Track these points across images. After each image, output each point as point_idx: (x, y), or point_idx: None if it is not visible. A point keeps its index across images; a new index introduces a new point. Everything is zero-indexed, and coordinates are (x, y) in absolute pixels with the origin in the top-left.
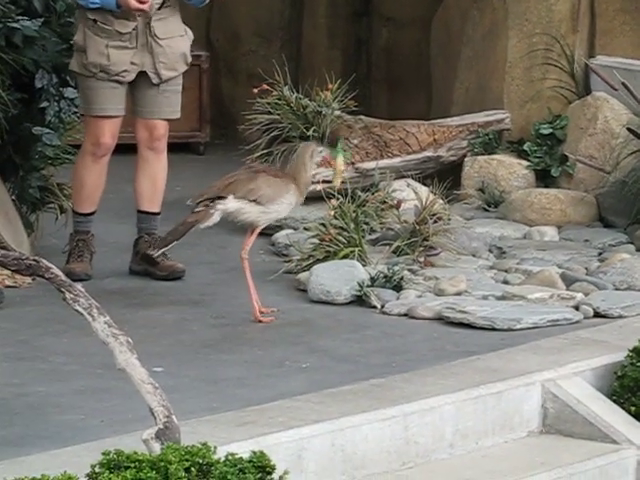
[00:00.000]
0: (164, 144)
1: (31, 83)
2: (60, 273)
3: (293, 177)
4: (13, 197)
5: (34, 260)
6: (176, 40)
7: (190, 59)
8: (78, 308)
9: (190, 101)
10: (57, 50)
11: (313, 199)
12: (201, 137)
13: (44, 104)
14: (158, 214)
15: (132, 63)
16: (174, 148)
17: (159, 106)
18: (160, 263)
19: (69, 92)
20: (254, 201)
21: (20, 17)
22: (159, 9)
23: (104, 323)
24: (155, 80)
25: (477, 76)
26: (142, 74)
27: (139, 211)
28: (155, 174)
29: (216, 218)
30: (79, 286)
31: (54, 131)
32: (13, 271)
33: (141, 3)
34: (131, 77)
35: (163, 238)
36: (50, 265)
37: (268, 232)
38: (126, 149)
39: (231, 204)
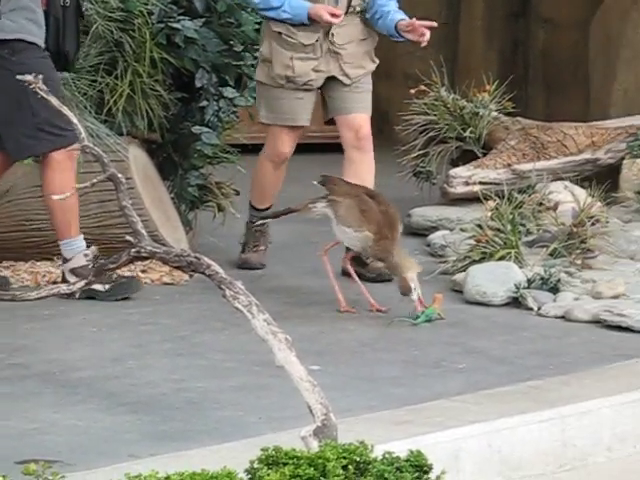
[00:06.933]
0: (370, 145)
1: (191, 83)
2: (220, 270)
3: (380, 237)
4: (172, 195)
5: (195, 257)
6: (360, 42)
7: (376, 59)
8: (238, 305)
9: None
10: (217, 50)
11: (469, 200)
12: None
13: (203, 103)
14: None
15: (317, 71)
16: (328, 148)
17: (353, 102)
18: (369, 265)
19: (228, 92)
20: (333, 213)
21: (181, 17)
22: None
23: (263, 321)
24: (346, 81)
25: (636, 78)
26: (331, 78)
27: None
28: (361, 175)
29: (314, 214)
30: (239, 283)
31: (213, 130)
32: (174, 267)
33: (334, 16)
34: (318, 84)
35: (266, 214)
36: (211, 262)
37: (424, 233)
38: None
39: (320, 208)
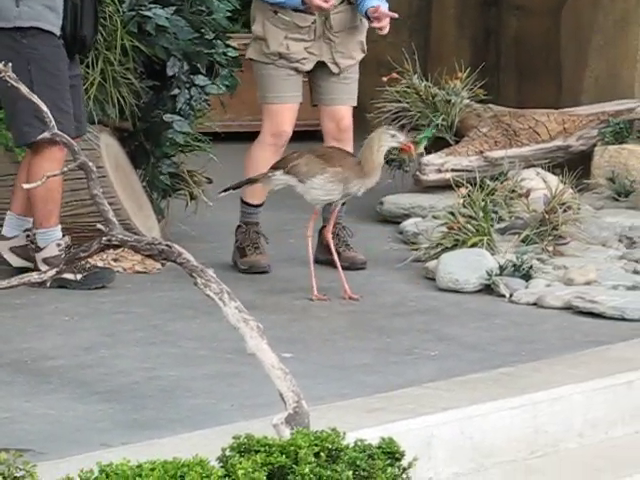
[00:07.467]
0: (350, 135)
1: (163, 71)
2: (192, 258)
3: (346, 163)
4: (144, 184)
5: (167, 245)
6: (351, 30)
7: (365, 49)
8: (209, 293)
9: None
10: (188, 38)
11: (442, 187)
12: None
13: (175, 91)
14: (343, 204)
15: (310, 53)
16: (299, 136)
17: (340, 93)
18: (342, 254)
19: (200, 80)
20: (295, 177)
21: (153, 5)
22: (339, 4)
23: (235, 308)
24: (335, 70)
25: (608, 64)
26: (321, 64)
27: None
28: None
29: (273, 186)
30: (210, 271)
31: (185, 118)
32: (146, 256)
33: (325, 2)
34: (309, 66)
35: (227, 187)
36: (182, 250)
37: (396, 220)
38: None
39: (280, 177)
